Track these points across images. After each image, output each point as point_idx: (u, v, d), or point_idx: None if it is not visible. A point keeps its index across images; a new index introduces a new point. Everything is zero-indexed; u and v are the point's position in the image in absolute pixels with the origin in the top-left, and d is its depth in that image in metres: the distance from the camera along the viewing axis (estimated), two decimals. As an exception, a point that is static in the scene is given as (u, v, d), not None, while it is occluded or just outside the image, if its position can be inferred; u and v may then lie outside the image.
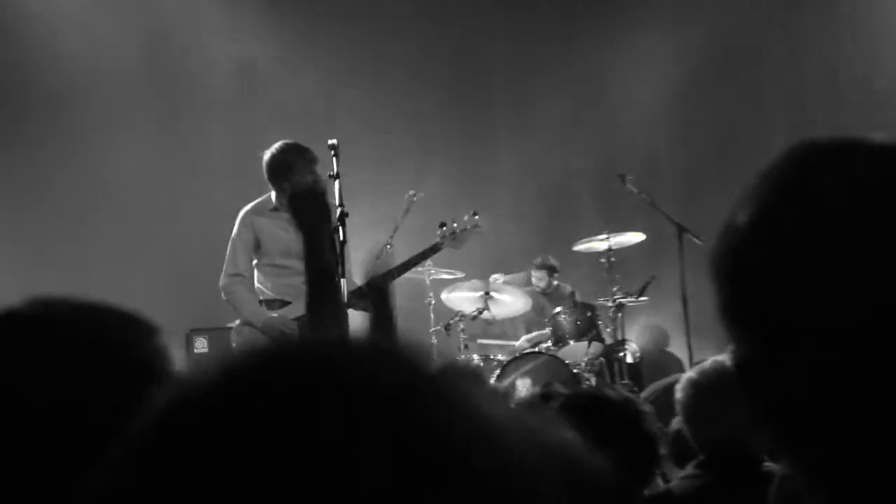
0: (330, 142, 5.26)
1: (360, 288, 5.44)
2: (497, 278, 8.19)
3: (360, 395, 0.60)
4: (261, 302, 5.62)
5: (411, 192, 8.19)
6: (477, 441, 0.60)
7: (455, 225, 5.91)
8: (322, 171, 5.40)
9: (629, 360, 7.91)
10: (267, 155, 5.59)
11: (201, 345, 7.36)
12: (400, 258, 7.82)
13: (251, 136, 8.45)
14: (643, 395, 7.49)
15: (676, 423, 3.22)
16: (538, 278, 8.74)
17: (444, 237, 5.86)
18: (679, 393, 3.02)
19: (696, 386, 2.92)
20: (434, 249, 5.83)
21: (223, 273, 5.67)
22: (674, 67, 9.66)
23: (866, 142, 0.94)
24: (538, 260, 8.75)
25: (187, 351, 7.35)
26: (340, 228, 5.03)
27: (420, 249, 5.89)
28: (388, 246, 8.01)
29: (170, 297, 8.51)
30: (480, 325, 8.28)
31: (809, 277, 0.88)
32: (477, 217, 5.94)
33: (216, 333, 7.28)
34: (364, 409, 0.59)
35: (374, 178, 9.03)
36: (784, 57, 9.68)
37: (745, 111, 9.54)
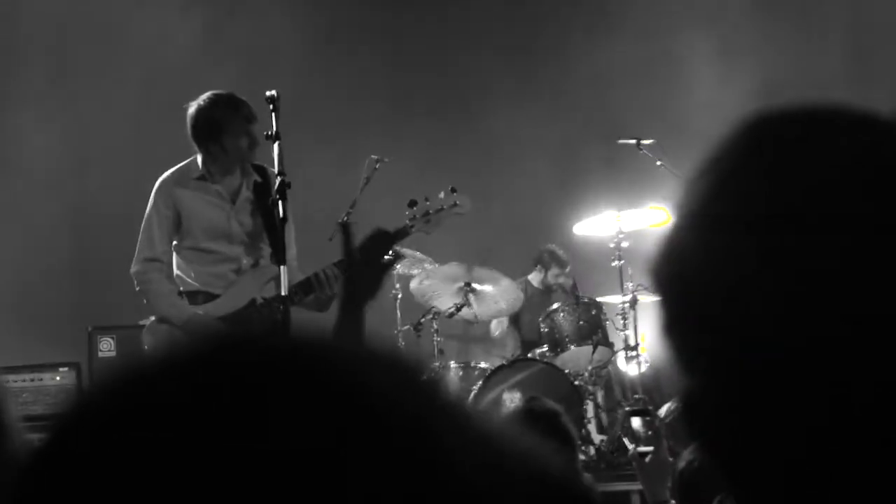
0: (268, 93, 5.21)
1: (307, 280, 5.41)
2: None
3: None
4: (181, 293, 5.59)
5: (374, 157, 8.20)
6: (467, 445, 0.65)
7: (428, 203, 5.86)
8: (259, 131, 5.38)
9: (641, 369, 7.92)
10: (192, 109, 5.55)
11: (107, 346, 7.35)
12: (359, 239, 7.86)
13: (174, 90, 8.46)
14: (661, 412, 7.54)
15: (691, 451, 3.23)
16: (535, 279, 8.78)
17: (414, 219, 5.81)
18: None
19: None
20: (402, 234, 5.77)
21: (136, 257, 5.63)
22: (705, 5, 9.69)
23: (839, 113, 0.94)
24: (539, 251, 8.79)
25: (90, 354, 7.33)
26: (280, 202, 4.99)
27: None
28: (344, 225, 8.04)
29: (68, 289, 8.51)
30: (459, 324, 8.29)
31: (763, 285, 0.88)
32: (456, 194, 5.91)
33: (125, 332, 7.27)
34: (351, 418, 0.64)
35: (326, 140, 9.02)
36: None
37: (793, 60, 9.56)
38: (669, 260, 0.97)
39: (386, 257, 2.95)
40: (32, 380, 7.23)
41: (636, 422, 7.34)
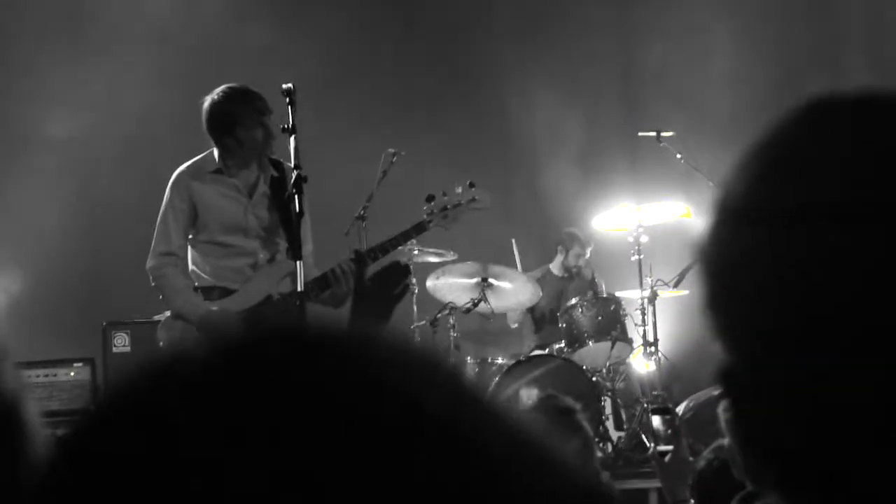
0: (284, 86, 5.21)
1: (323, 276, 5.40)
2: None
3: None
4: (196, 289, 5.59)
5: (391, 151, 8.20)
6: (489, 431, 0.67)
7: (446, 198, 5.85)
8: (275, 124, 5.38)
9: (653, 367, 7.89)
10: (206, 102, 5.55)
11: (122, 342, 7.36)
12: (374, 234, 7.85)
13: (191, 84, 8.46)
14: (679, 409, 7.53)
15: (712, 451, 3.21)
16: (556, 266, 8.75)
17: (432, 214, 5.81)
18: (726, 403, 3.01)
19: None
20: (419, 229, 5.78)
21: (151, 252, 5.62)
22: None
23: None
24: (558, 234, 8.77)
25: (104, 349, 7.34)
26: (297, 197, 4.99)
27: (402, 228, 5.82)
28: (360, 220, 8.04)
29: (82, 284, 8.53)
30: (476, 319, 8.28)
31: (815, 270, 0.88)
32: (474, 189, 5.90)
33: (140, 328, 7.27)
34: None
35: (343, 133, 9.01)
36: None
37: (814, 51, 9.51)
38: (722, 242, 0.96)
39: (398, 288, 2.96)
40: (47, 375, 7.25)
41: (656, 420, 7.29)
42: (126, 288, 7.98)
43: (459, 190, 5.88)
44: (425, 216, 5.79)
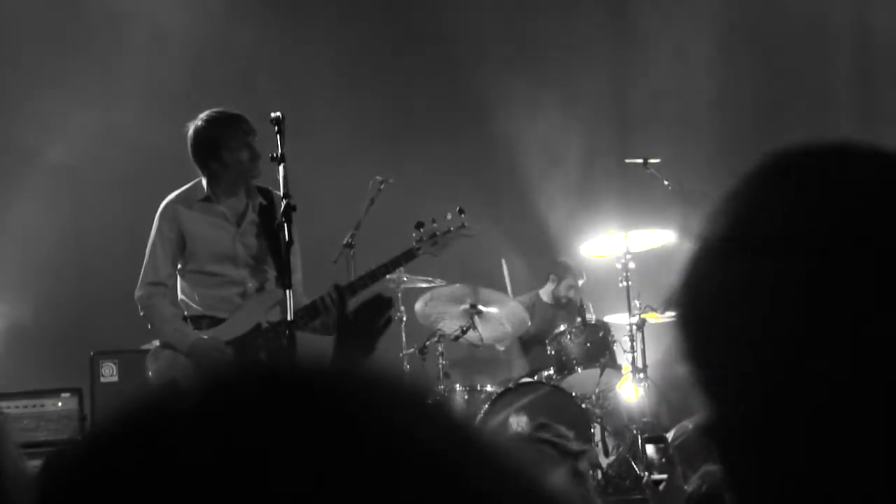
0: (273, 115, 5.24)
1: (312, 304, 5.40)
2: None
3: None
4: (185, 318, 5.59)
5: (378, 178, 8.21)
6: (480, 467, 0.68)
7: (436, 225, 5.87)
8: (263, 151, 5.39)
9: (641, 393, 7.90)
10: (190, 129, 5.56)
11: (109, 371, 7.33)
12: (363, 262, 7.85)
13: (175, 112, 8.47)
14: (669, 435, 7.52)
15: (700, 478, 3.22)
16: (546, 293, 8.76)
17: (421, 241, 5.83)
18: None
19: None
20: (409, 256, 5.80)
21: (140, 282, 5.63)
22: (711, 24, 9.68)
23: (857, 149, 0.98)
24: (552, 263, 8.78)
25: (92, 379, 7.32)
26: (286, 225, 5.00)
27: (391, 255, 5.84)
28: (349, 248, 8.04)
29: (70, 313, 8.50)
30: (465, 347, 8.28)
31: (791, 317, 0.90)
32: (464, 216, 5.92)
33: (128, 357, 7.24)
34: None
35: (330, 161, 9.03)
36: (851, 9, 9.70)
37: (804, 82, 9.56)
38: (696, 285, 0.98)
39: (380, 321, 2.97)
40: (34, 406, 7.21)
41: (650, 449, 7.31)
42: (113, 317, 7.96)
43: (449, 217, 5.90)
44: (414, 243, 5.81)
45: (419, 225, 5.85)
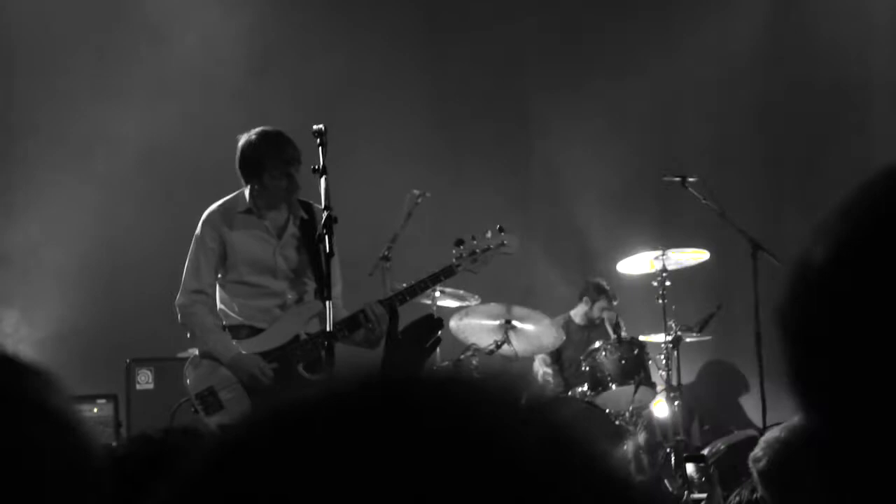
0: (315, 127, 5.26)
1: (352, 316, 5.44)
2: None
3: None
4: (224, 328, 5.63)
5: (415, 192, 8.22)
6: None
7: (475, 243, 5.88)
8: (306, 164, 5.42)
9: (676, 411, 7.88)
10: (241, 141, 5.62)
11: (145, 379, 7.38)
12: (398, 276, 7.87)
13: (216, 120, 8.52)
14: (705, 453, 7.51)
15: (737, 494, 3.20)
16: (578, 314, 8.75)
17: (461, 258, 5.83)
18: (760, 453, 3.00)
19: (787, 447, 2.86)
20: (448, 272, 5.81)
21: (182, 289, 5.67)
22: (750, 43, 9.67)
23: None
24: (586, 284, 8.77)
25: (128, 386, 7.36)
26: (327, 238, 5.03)
27: (427, 268, 5.86)
28: (385, 260, 8.06)
29: (105, 318, 8.55)
30: (499, 361, 8.28)
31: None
32: (504, 234, 5.93)
33: (164, 365, 7.30)
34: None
35: (367, 173, 9.06)
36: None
37: (842, 101, 9.52)
38: (804, 306, 0.96)
39: (430, 341, 2.99)
40: (70, 411, 7.27)
41: (690, 468, 7.30)
42: (149, 325, 8.02)
43: (489, 234, 5.91)
44: (454, 260, 5.82)
45: (459, 242, 5.86)
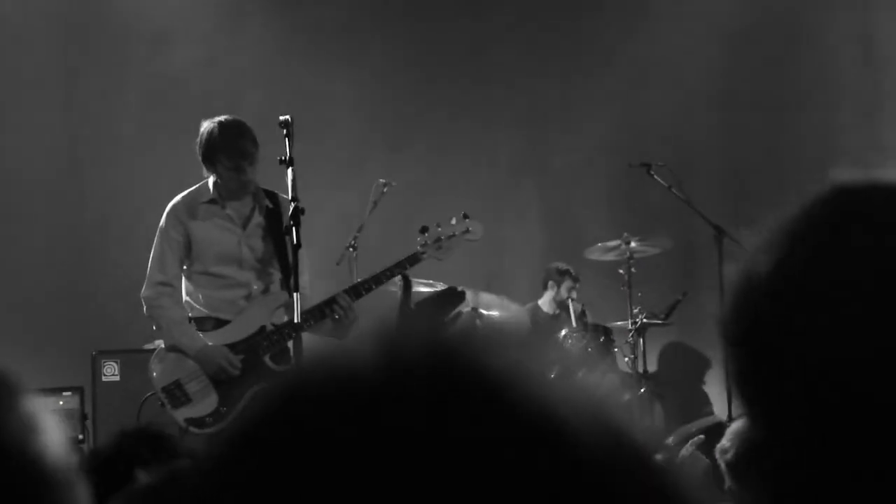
0: (281, 118, 5.25)
1: (319, 306, 5.42)
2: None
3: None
4: (189, 319, 5.59)
5: (381, 181, 8.21)
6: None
7: (440, 230, 5.88)
8: (271, 154, 5.38)
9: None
10: (202, 128, 5.57)
11: (111, 371, 7.32)
12: (365, 264, 7.86)
13: (178, 109, 8.47)
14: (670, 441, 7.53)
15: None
16: (545, 302, 8.75)
17: (425, 245, 5.83)
18: (727, 444, 3.03)
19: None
20: (413, 260, 5.80)
21: (147, 281, 5.63)
22: (716, 30, 9.69)
23: None
24: (547, 271, 8.77)
25: (94, 378, 7.31)
26: (294, 229, 5.01)
27: (394, 258, 5.84)
28: (351, 249, 8.04)
29: (70, 310, 8.50)
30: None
31: (843, 343, 0.93)
32: (468, 220, 5.93)
33: (130, 357, 7.22)
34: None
35: (337, 165, 9.04)
36: (856, 22, 9.68)
37: (806, 89, 9.55)
38: (747, 316, 1.01)
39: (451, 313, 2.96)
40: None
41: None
42: (115, 316, 7.97)
43: (453, 221, 5.91)
44: (419, 247, 5.81)
45: (424, 229, 5.86)
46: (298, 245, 5.00)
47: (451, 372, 0.70)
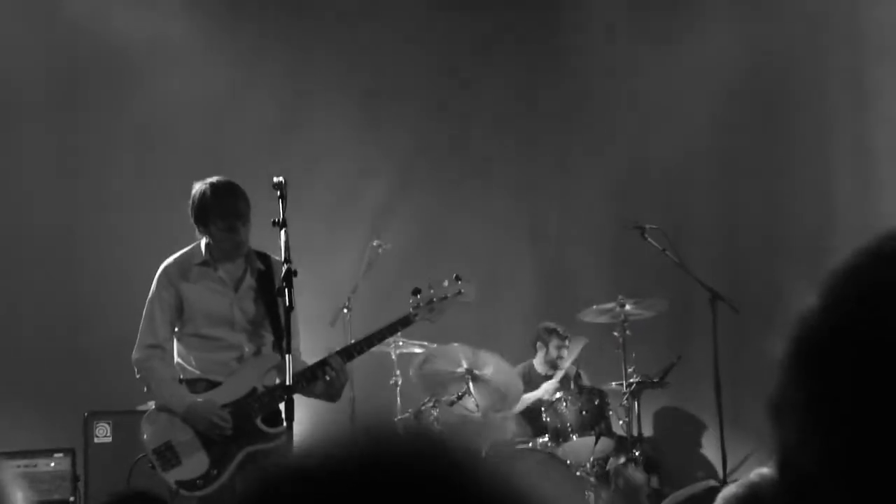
0: (275, 179, 5.25)
1: (311, 368, 5.40)
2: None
3: None
4: (181, 381, 5.57)
5: (375, 243, 8.24)
6: None
7: (432, 291, 5.87)
8: (265, 217, 5.38)
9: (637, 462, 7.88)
10: (193, 190, 5.57)
11: (103, 432, 7.29)
12: (359, 325, 7.85)
13: (170, 171, 8.48)
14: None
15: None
16: (538, 362, 8.73)
17: (418, 307, 5.83)
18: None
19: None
20: (405, 322, 5.79)
21: (137, 344, 5.61)
22: (710, 95, 9.73)
23: None
24: (536, 331, 8.75)
25: (86, 439, 7.27)
26: (286, 290, 5.00)
27: (387, 319, 5.82)
28: (346, 310, 8.04)
29: (62, 371, 8.45)
30: (459, 411, 8.24)
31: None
32: (461, 283, 5.93)
33: (122, 418, 7.21)
34: None
35: (329, 225, 9.05)
36: (851, 86, 9.71)
37: (803, 153, 9.56)
38: (811, 352, 1.02)
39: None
40: (27, 466, 7.15)
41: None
42: (107, 378, 7.93)
43: (446, 283, 5.90)
44: (411, 309, 5.80)
45: (416, 291, 5.85)
46: (291, 307, 4.99)
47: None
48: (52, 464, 7.25)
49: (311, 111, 9.43)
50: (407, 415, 7.77)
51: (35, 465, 7.20)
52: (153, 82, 9.12)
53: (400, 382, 8.00)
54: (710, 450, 9.04)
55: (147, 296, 5.66)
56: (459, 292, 5.91)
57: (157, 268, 5.69)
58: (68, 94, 9.02)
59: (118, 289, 8.22)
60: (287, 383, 4.96)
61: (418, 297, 5.84)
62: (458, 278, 5.93)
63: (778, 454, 1.02)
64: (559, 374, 8.49)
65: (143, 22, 9.12)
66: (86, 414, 7.34)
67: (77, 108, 9.01)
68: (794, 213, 9.17)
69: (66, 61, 9.02)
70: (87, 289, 8.67)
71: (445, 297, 5.88)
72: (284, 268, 5.04)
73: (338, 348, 5.60)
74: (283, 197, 5.21)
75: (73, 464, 7.30)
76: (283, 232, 5.14)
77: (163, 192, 8.27)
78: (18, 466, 7.11)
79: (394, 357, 7.97)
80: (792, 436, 1.00)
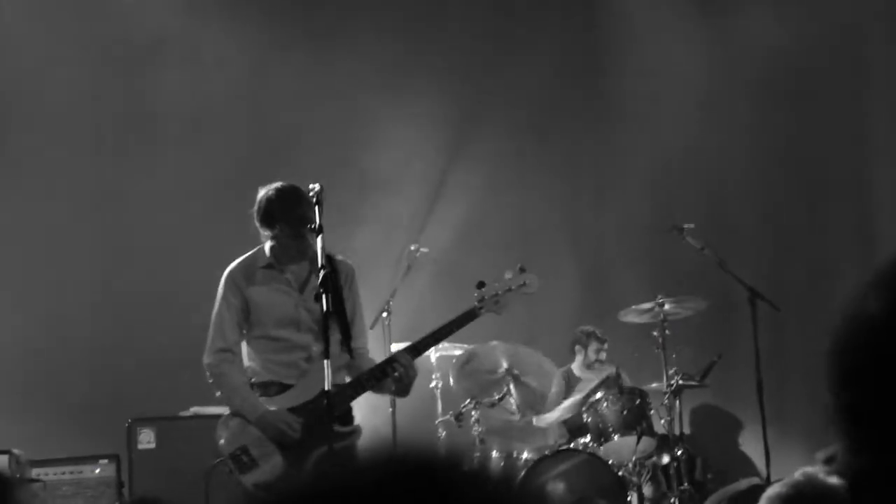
0: (311, 186, 5.29)
1: (381, 366, 5.50)
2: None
3: None
4: (252, 385, 5.62)
5: (413, 247, 8.22)
6: None
7: (497, 284, 5.84)
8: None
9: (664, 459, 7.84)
10: (260, 194, 5.63)
11: (147, 438, 7.31)
12: (398, 329, 7.83)
13: (216, 179, 8.49)
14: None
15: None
16: (577, 366, 8.70)
17: (483, 300, 5.79)
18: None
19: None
20: (471, 316, 5.76)
21: (207, 348, 5.66)
22: (749, 89, 9.65)
23: None
24: (573, 335, 8.72)
25: (129, 446, 7.30)
26: (323, 295, 5.00)
27: (431, 319, 5.83)
28: (385, 314, 8.02)
29: (106, 377, 8.48)
30: (501, 412, 8.20)
31: None
32: (524, 274, 5.89)
33: (165, 424, 7.25)
34: None
35: (370, 229, 9.03)
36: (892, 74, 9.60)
37: (841, 147, 9.47)
38: (865, 353, 1.04)
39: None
40: (72, 472, 7.19)
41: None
42: (151, 384, 7.96)
43: (509, 275, 5.87)
44: (476, 303, 5.77)
45: (480, 284, 5.82)
46: (328, 311, 5.00)
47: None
48: (98, 470, 7.27)
49: (352, 112, 9.41)
50: (448, 417, 7.74)
51: (81, 472, 7.23)
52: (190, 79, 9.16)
53: (440, 385, 7.97)
54: (750, 448, 8.96)
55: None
56: (524, 283, 5.88)
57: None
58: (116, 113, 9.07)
59: (161, 297, 8.25)
60: (325, 388, 4.98)
61: (483, 290, 5.81)
62: (522, 269, 5.90)
63: (851, 457, 1.01)
64: (590, 384, 8.43)
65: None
66: (129, 421, 7.37)
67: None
68: (835, 207, 9.08)
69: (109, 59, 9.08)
70: (130, 298, 8.67)
71: (510, 289, 5.85)
72: (321, 273, 5.06)
73: (406, 344, 5.67)
74: (319, 203, 5.25)
75: (118, 470, 7.33)
76: (319, 238, 5.17)
77: (208, 201, 8.29)
78: (64, 473, 7.15)
79: (433, 360, 7.95)
80: (874, 441, 1.00)
